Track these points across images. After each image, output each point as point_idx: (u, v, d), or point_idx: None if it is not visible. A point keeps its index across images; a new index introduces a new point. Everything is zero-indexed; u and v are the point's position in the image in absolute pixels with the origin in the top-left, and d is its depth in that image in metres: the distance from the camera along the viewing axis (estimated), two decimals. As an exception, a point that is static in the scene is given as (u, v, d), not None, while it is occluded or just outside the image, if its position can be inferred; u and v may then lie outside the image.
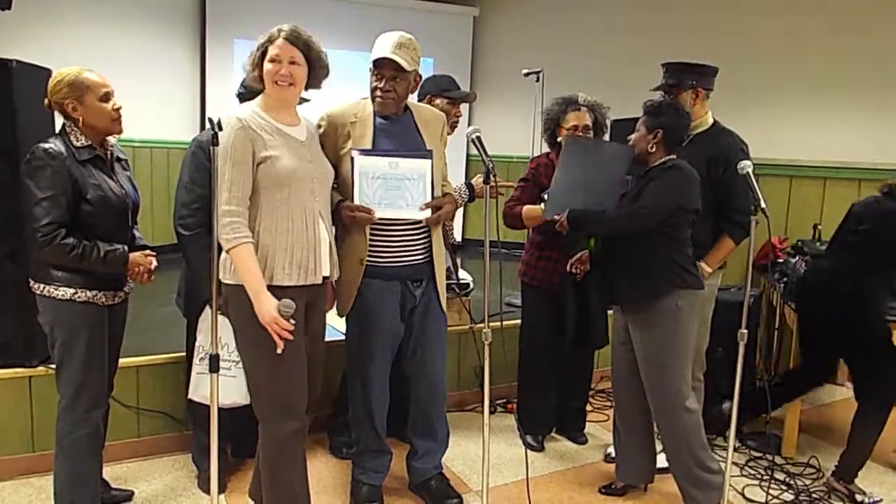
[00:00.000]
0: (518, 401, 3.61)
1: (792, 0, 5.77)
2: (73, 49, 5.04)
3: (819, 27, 5.65)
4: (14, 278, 2.91)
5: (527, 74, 5.53)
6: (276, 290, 2.24)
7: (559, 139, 3.27)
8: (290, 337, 2.23)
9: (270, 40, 2.27)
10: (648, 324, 2.75)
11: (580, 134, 3.19)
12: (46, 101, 2.40)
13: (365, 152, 2.54)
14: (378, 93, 2.58)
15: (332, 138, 2.58)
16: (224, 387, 2.48)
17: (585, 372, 3.64)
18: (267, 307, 2.20)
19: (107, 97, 2.39)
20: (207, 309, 2.56)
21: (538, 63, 5.49)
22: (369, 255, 2.61)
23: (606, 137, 3.49)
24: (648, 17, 6.53)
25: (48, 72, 3.06)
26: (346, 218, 2.53)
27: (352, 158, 2.51)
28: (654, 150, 2.77)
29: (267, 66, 2.27)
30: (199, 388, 2.65)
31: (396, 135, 2.63)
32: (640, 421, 2.97)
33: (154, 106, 6.01)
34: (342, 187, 2.58)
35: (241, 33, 6.57)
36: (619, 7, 6.70)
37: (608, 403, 4.15)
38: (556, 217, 2.86)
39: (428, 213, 2.58)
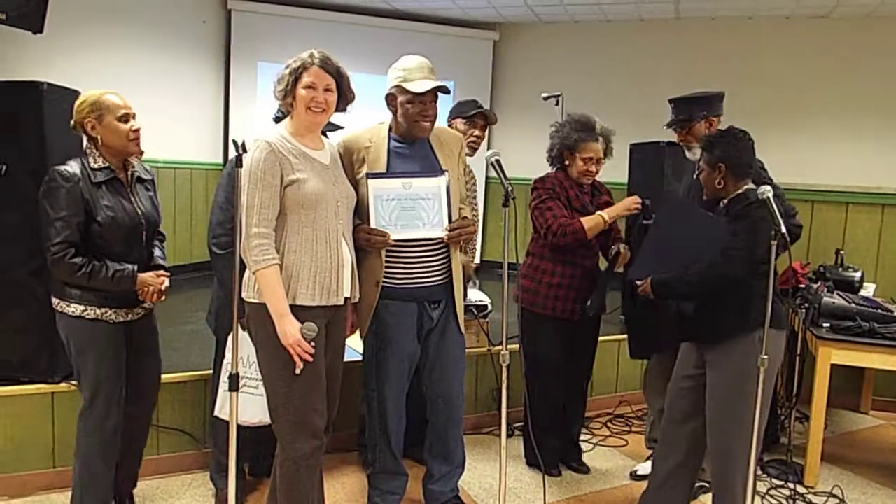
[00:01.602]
0: (531, 434, 3.28)
1: (813, 23, 5.77)
2: (100, 72, 5.14)
3: (841, 51, 5.64)
4: (38, 295, 2.96)
5: (546, 98, 5.57)
6: (299, 310, 2.27)
7: (566, 162, 3.29)
8: (311, 359, 2.26)
9: (304, 67, 2.31)
10: (726, 359, 2.63)
11: (594, 167, 3.23)
12: (72, 122, 2.50)
13: (378, 175, 2.58)
14: (422, 118, 2.63)
15: (347, 163, 2.62)
16: (251, 405, 2.52)
17: (583, 400, 3.59)
18: (290, 329, 2.23)
19: (125, 118, 2.47)
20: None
21: (557, 87, 5.54)
22: (386, 277, 2.63)
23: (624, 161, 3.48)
24: (667, 40, 6.56)
25: (77, 94, 3.15)
26: (362, 241, 2.55)
27: (366, 182, 2.55)
28: (722, 184, 2.66)
29: (301, 92, 2.31)
30: (227, 406, 2.67)
31: (411, 157, 2.67)
32: (683, 478, 2.82)
33: (178, 127, 6.11)
34: (359, 211, 2.61)
35: (265, 57, 6.69)
36: (637, 31, 6.73)
37: (627, 428, 4.12)
38: (638, 283, 2.78)
39: (445, 231, 2.61)
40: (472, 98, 3.52)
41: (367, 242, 2.55)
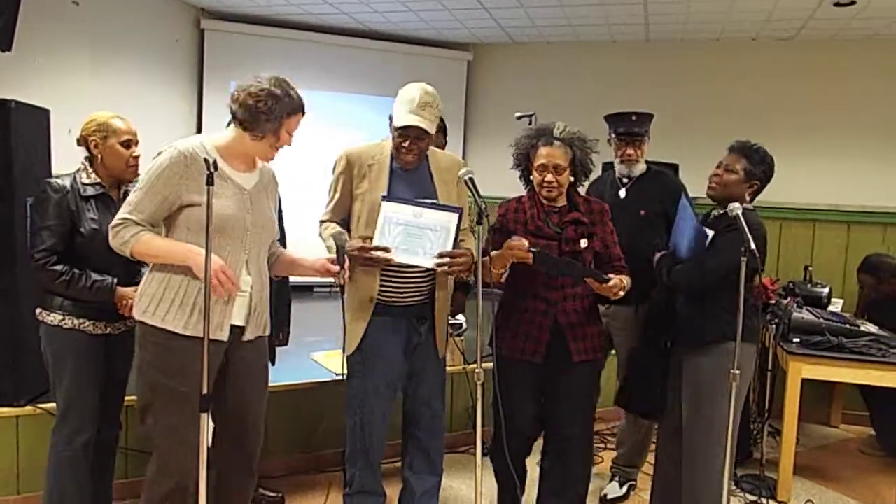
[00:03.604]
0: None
1: (779, 45, 5.90)
2: (72, 90, 5.08)
3: (807, 72, 5.77)
4: (2, 316, 2.91)
5: (520, 117, 5.59)
6: (177, 337, 2.15)
7: (531, 177, 2.81)
8: (236, 290, 2.17)
9: (296, 110, 2.25)
10: (697, 367, 2.72)
11: (551, 176, 2.67)
12: (78, 136, 2.56)
13: (393, 199, 2.58)
14: (403, 152, 2.63)
15: (348, 176, 2.66)
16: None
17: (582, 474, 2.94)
18: (210, 260, 2.02)
19: (128, 143, 2.59)
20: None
21: (531, 106, 5.56)
22: (379, 293, 2.64)
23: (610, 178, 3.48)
24: (638, 61, 6.65)
25: (46, 112, 3.12)
26: (360, 259, 2.54)
27: (380, 203, 2.55)
28: (744, 198, 2.80)
29: (285, 135, 2.26)
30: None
31: (411, 181, 2.68)
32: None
33: (150, 145, 6.00)
34: (350, 225, 2.65)
35: (238, 76, 6.59)
36: (609, 52, 6.82)
37: (602, 445, 4.12)
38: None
39: (438, 262, 2.56)
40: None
41: (367, 261, 2.54)
